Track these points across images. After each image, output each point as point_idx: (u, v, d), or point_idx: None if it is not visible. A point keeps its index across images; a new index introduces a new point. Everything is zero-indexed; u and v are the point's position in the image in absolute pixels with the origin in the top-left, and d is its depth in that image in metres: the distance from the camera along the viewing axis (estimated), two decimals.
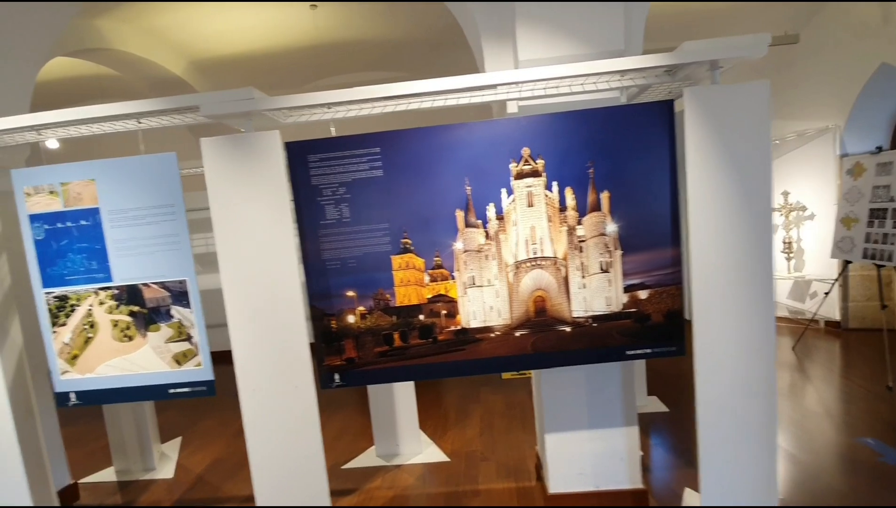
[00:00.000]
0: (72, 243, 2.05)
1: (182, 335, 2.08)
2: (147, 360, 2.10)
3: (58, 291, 2.08)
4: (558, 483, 2.42)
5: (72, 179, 2.02)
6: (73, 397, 2.14)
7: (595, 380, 2.34)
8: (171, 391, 2.12)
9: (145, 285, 2.06)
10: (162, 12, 3.94)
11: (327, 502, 2.05)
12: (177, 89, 4.75)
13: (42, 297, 2.09)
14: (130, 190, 2.01)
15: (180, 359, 2.10)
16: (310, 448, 2.02)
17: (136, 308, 2.08)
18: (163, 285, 2.06)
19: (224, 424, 4.03)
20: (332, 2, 3.88)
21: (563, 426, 2.38)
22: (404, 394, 3.19)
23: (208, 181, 1.91)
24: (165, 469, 3.33)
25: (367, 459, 3.22)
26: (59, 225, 2.05)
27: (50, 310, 2.09)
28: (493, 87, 2.02)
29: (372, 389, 3.19)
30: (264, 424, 2.01)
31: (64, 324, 2.09)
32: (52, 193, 2.03)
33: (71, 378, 2.13)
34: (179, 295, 2.06)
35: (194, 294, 2.05)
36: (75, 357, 2.11)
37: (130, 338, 2.09)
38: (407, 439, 3.22)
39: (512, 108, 2.23)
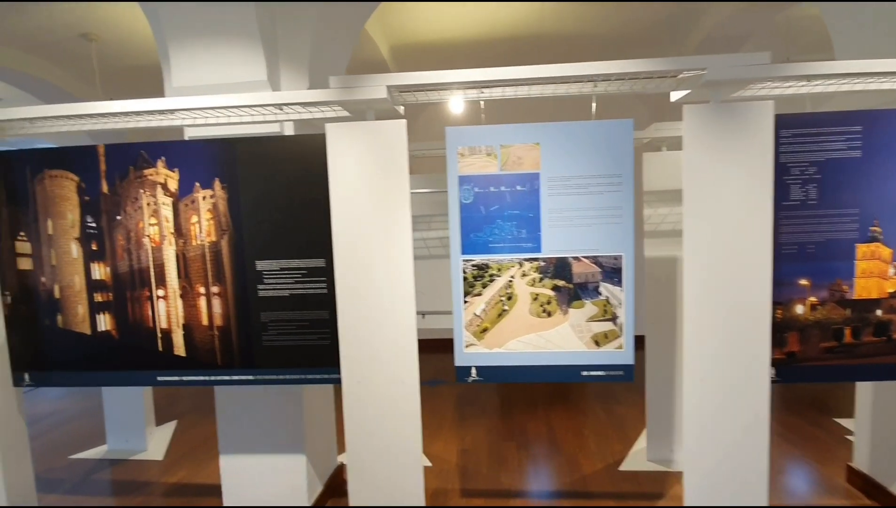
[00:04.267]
0: (503, 210, 1.94)
1: (607, 314, 1.95)
2: (563, 338, 1.97)
3: (478, 259, 1.97)
4: None
5: (514, 141, 1.91)
6: (474, 372, 2.02)
7: None
8: (585, 373, 1.98)
9: (576, 258, 1.94)
10: None
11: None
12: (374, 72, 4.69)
13: (459, 264, 1.97)
14: (576, 156, 1.89)
15: (600, 340, 1.97)
16: (756, 446, 1.86)
17: (561, 283, 1.95)
18: (595, 259, 1.93)
19: (431, 413, 3.91)
20: None
21: None
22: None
23: (685, 151, 1.78)
24: None
25: (638, 461, 3.06)
26: (492, 189, 1.94)
27: (465, 278, 1.98)
28: None
29: (651, 383, 3.01)
30: (709, 417, 1.86)
31: (479, 294, 1.98)
32: (489, 154, 1.92)
33: (475, 352, 2.01)
34: (611, 272, 1.93)
35: (629, 272, 1.93)
36: (485, 331, 1.99)
37: (549, 314, 1.97)
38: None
39: None
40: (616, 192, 1.90)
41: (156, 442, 3.52)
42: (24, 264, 2.10)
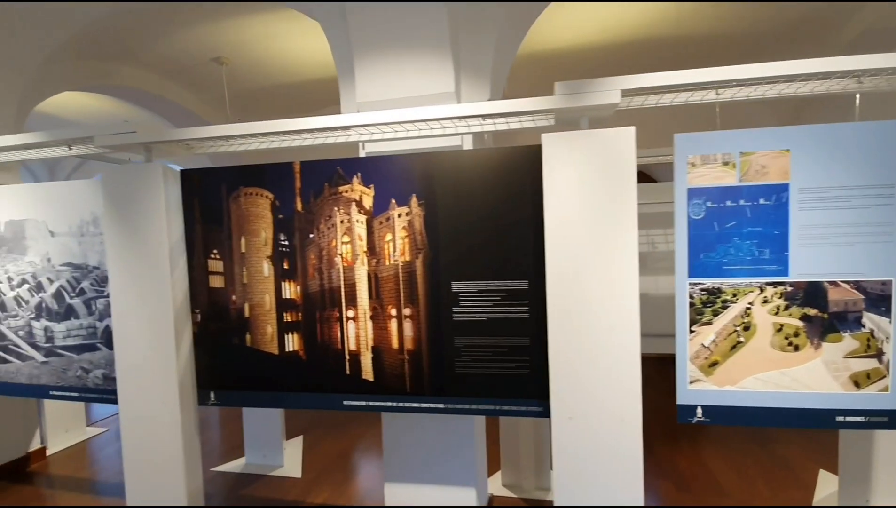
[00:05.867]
0: (741, 226, 1.70)
1: (870, 350, 1.66)
2: (813, 377, 1.69)
3: (709, 282, 1.74)
4: None
5: (759, 147, 1.68)
6: (699, 412, 1.78)
7: None
8: (840, 418, 1.69)
9: (833, 283, 1.66)
10: None
11: None
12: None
13: (686, 288, 1.75)
14: (835, 164, 1.63)
15: (860, 380, 1.67)
16: None
17: (812, 311, 1.68)
18: (857, 285, 1.65)
19: None
20: None
21: None
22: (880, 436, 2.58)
23: None
24: None
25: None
26: (729, 203, 1.70)
27: (693, 305, 1.75)
28: None
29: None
30: None
31: (709, 323, 1.74)
32: (726, 163, 1.70)
33: (702, 389, 1.77)
34: (877, 299, 1.64)
35: None
36: (714, 365, 1.75)
37: (797, 348, 1.70)
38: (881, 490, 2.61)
39: None
40: (887, 205, 1.61)
41: (289, 458, 3.51)
42: (216, 281, 2.10)
